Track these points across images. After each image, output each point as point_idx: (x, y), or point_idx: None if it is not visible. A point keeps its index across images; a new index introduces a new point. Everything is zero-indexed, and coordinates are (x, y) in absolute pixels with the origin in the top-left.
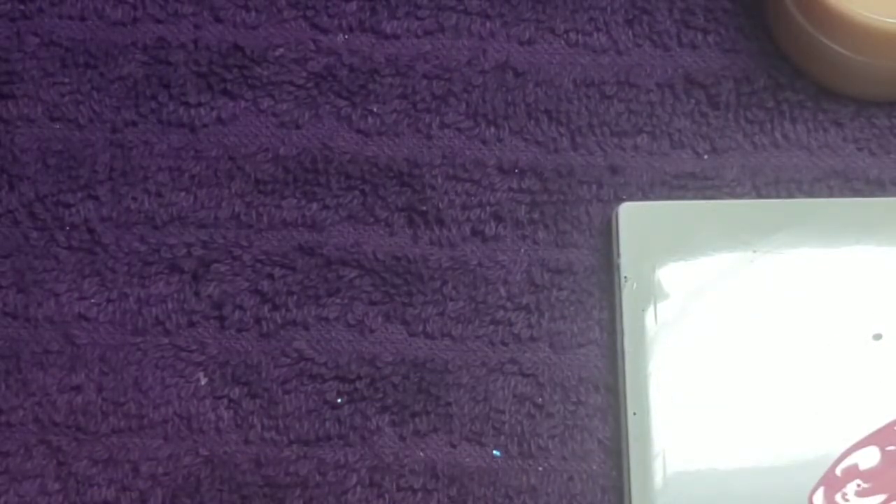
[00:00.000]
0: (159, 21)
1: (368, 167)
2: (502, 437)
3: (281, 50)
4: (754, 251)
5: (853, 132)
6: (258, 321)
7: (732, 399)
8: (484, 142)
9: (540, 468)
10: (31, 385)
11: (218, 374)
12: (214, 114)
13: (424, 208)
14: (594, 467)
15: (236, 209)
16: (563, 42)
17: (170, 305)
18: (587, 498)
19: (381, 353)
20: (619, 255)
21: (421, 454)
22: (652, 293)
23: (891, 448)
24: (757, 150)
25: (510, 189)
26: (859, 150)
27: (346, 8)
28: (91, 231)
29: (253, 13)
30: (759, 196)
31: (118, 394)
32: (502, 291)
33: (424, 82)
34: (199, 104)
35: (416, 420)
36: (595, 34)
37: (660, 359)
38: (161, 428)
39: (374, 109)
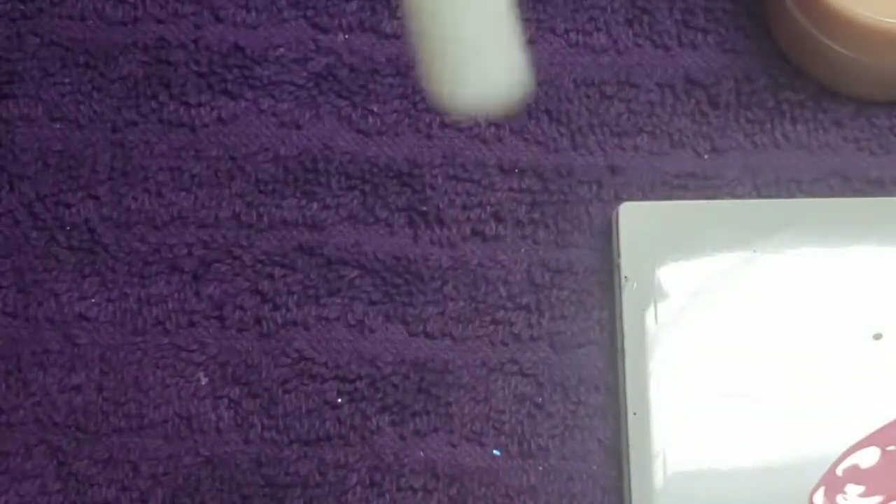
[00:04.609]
0: (160, 21)
1: (369, 167)
2: (502, 437)
3: (281, 50)
4: (754, 251)
5: (853, 132)
6: (258, 321)
7: (732, 399)
8: (484, 142)
9: (540, 468)
10: (31, 385)
11: (218, 374)
12: (215, 114)
13: (425, 208)
14: (594, 467)
15: (237, 209)
16: (563, 42)
17: (170, 305)
18: (587, 498)
19: (381, 353)
20: (619, 254)
21: (421, 454)
22: (652, 293)
23: (891, 448)
24: (757, 149)
25: (510, 189)
26: (860, 149)
27: (347, 8)
28: (91, 231)
29: (253, 13)
30: (760, 196)
31: (118, 394)
32: (502, 291)
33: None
34: (200, 104)
35: (417, 420)
36: (595, 34)
37: (660, 359)
38: (161, 428)
39: (375, 109)
